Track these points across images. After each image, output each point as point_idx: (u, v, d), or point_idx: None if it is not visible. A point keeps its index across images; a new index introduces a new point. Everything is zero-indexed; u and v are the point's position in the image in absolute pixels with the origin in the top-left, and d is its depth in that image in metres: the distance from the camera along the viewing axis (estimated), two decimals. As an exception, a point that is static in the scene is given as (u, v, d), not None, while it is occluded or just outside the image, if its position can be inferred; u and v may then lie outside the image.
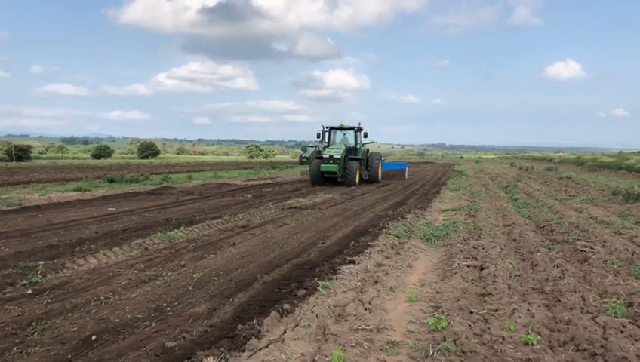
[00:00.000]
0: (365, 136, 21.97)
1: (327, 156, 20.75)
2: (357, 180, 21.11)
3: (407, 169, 27.57)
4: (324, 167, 20.71)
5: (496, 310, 4.74)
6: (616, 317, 4.49)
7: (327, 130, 22.65)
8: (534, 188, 18.96)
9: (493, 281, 5.66)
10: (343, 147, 21.31)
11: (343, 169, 20.90)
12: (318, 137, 22.26)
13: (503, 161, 64.08)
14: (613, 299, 4.91)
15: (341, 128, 22.81)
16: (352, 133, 22.68)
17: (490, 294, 5.26)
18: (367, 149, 23.07)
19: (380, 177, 23.15)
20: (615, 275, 5.92)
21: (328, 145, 22.21)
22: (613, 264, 6.40)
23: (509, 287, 5.46)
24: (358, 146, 22.24)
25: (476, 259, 6.91)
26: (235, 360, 3.71)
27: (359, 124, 22.22)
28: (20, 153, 48.81)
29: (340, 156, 20.58)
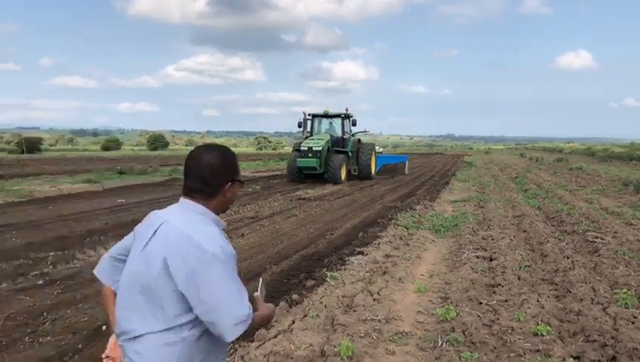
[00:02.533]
0: (354, 124, 19.11)
1: (306, 148, 17.16)
2: (343, 177, 17.59)
3: (407, 163, 23.60)
4: (301, 162, 17.20)
5: (506, 301, 4.72)
6: (627, 308, 4.46)
7: (310, 117, 19.20)
8: (544, 179, 18.83)
9: (503, 272, 5.64)
10: (327, 137, 17.98)
11: (324, 163, 17.26)
12: (300, 126, 18.89)
13: (512, 152, 63.59)
14: (624, 290, 4.86)
15: (326, 115, 19.36)
16: (338, 121, 19.06)
17: (500, 285, 5.24)
18: (359, 140, 19.81)
19: (373, 173, 19.58)
20: (626, 266, 5.88)
21: (311, 136, 18.72)
22: (624, 255, 6.35)
23: (519, 278, 5.43)
24: (346, 136, 18.87)
25: (485, 250, 6.88)
26: (244, 349, 3.72)
27: (347, 110, 18.85)
28: (31, 145, 49.10)
29: (320, 148, 17.04)
